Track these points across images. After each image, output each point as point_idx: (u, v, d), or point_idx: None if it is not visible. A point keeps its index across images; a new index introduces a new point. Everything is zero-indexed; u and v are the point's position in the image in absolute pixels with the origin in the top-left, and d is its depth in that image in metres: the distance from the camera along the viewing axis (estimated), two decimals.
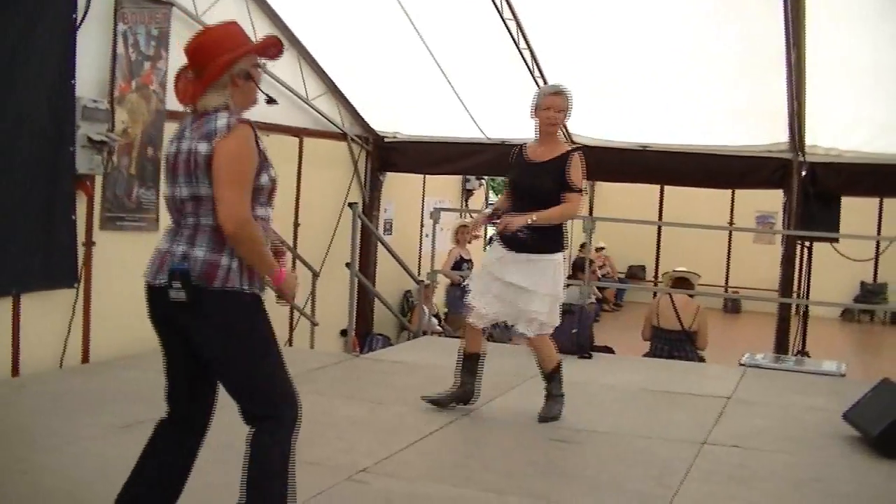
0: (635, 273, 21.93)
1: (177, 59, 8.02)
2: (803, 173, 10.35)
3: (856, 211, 11.50)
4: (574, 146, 6.43)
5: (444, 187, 15.43)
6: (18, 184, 6.72)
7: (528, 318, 6.25)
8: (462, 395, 6.53)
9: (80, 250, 7.40)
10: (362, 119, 11.87)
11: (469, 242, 12.42)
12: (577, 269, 14.92)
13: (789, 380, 8.41)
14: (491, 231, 7.15)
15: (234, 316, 3.53)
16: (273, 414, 3.57)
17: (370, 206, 12.41)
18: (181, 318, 3.54)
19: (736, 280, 20.25)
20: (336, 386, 7.36)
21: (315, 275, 10.46)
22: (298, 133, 10.79)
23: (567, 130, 11.01)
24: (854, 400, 6.33)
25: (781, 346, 10.59)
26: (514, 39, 9.89)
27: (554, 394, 6.46)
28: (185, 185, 3.54)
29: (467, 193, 16.45)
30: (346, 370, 8.00)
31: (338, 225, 11.37)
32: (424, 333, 10.46)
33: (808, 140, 10.17)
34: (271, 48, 3.72)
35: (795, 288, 11.11)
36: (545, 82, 10.42)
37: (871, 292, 19.59)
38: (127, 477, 3.69)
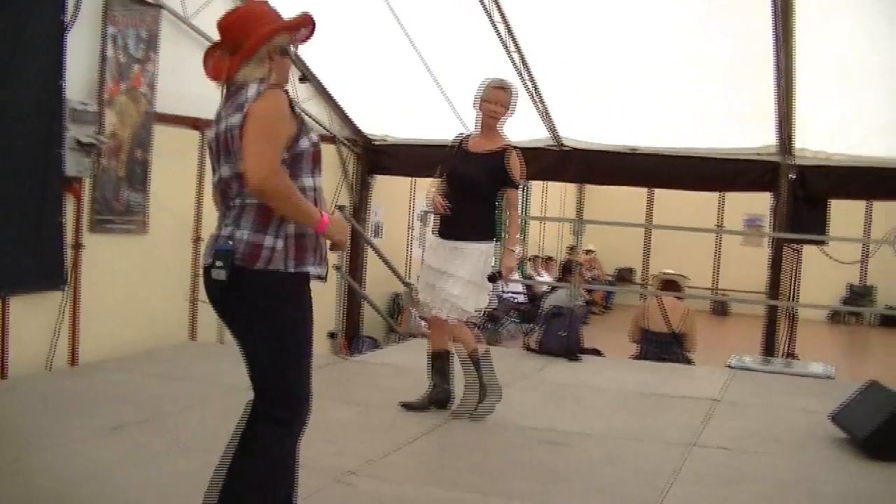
0: (624, 275, 22.00)
1: (166, 61, 8.07)
2: (792, 176, 10.37)
3: (844, 213, 11.55)
4: (510, 143, 6.45)
5: None
6: (6, 185, 6.69)
7: (442, 298, 6.24)
8: (436, 397, 6.53)
9: (69, 252, 7.38)
10: (351, 122, 11.86)
11: None
12: (566, 271, 14.93)
13: (777, 382, 8.44)
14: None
15: (268, 299, 3.47)
16: (282, 417, 3.51)
17: (359, 209, 12.40)
18: (223, 298, 3.50)
19: (724, 282, 20.33)
20: (324, 388, 7.27)
21: None
22: None
23: (557, 133, 11.07)
24: (842, 402, 6.36)
25: (769, 349, 10.62)
26: (503, 42, 9.89)
27: (487, 384, 6.43)
28: (226, 165, 3.52)
29: None
30: (335, 372, 8.00)
31: None
32: (412, 336, 10.47)
33: (797, 143, 10.20)
34: (307, 25, 3.69)
35: (783, 290, 11.14)
36: (534, 85, 10.44)
37: (858, 294, 19.70)
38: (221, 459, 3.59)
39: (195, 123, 8.54)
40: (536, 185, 19.86)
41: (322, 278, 3.63)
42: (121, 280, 7.98)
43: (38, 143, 6.91)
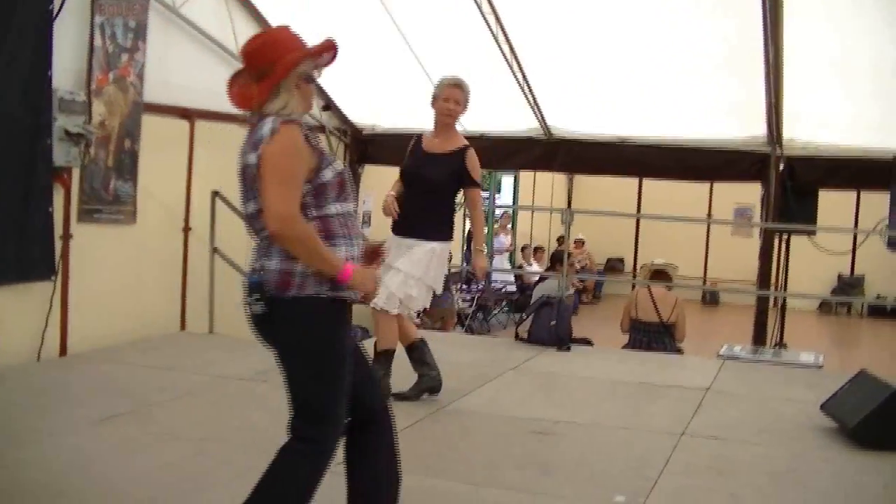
0: (614, 265, 22.02)
1: (154, 51, 8.02)
2: (781, 167, 10.39)
3: (833, 204, 11.58)
4: (467, 143, 6.43)
5: None
6: None
7: (387, 291, 6.13)
8: (427, 385, 6.52)
9: (58, 243, 7.35)
10: (340, 111, 11.84)
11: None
12: (556, 261, 14.94)
13: (767, 371, 8.46)
14: None
15: (301, 324, 3.46)
16: (312, 436, 3.50)
17: None
18: (263, 329, 3.51)
19: (714, 272, 20.37)
20: None
21: None
22: None
23: (546, 124, 11.06)
24: (831, 391, 6.38)
25: (759, 338, 10.64)
26: (492, 33, 9.88)
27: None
28: (251, 201, 3.50)
29: None
30: None
31: None
32: None
33: (786, 134, 10.22)
34: (329, 51, 3.64)
35: (773, 280, 11.17)
36: (524, 76, 10.43)
37: (848, 285, 19.76)
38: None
39: (184, 113, 8.49)
40: (526, 176, 19.87)
41: (357, 301, 3.64)
42: (110, 270, 7.96)
43: (27, 133, 6.88)
